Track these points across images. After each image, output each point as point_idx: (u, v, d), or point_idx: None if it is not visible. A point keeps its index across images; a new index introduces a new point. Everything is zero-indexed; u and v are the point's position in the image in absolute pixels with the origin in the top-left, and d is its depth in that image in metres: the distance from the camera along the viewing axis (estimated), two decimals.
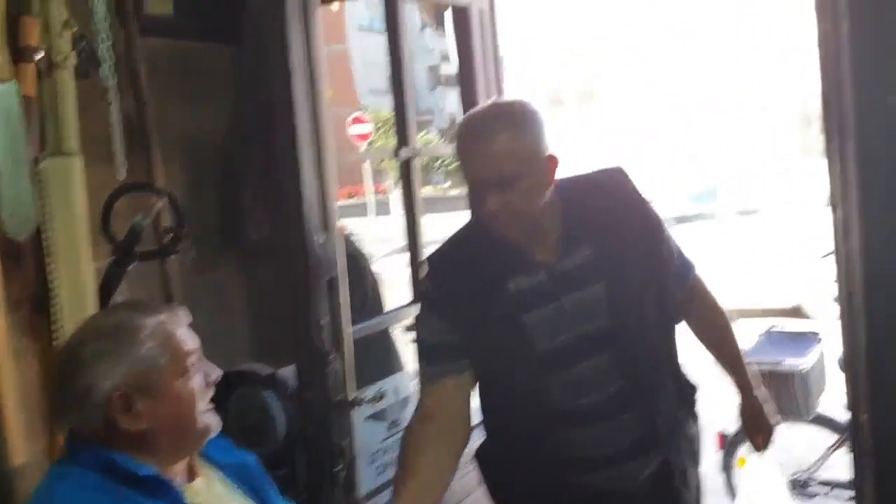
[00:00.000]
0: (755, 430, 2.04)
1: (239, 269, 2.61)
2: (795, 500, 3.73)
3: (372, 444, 2.21)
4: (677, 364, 1.88)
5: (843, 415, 3.85)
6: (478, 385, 1.79)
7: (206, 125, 2.59)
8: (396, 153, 2.34)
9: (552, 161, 1.68)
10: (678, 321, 1.90)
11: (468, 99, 2.67)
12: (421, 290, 1.81)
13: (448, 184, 23.18)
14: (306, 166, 1.96)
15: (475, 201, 1.68)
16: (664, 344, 1.83)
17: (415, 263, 2.39)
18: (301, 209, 1.94)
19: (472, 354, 1.73)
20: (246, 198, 2.59)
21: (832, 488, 3.82)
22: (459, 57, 2.71)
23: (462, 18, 2.66)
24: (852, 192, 2.15)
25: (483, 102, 1.79)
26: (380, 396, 2.05)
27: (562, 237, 1.72)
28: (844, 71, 2.13)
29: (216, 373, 1.45)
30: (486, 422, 1.84)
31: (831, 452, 3.80)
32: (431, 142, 20.41)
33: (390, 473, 2.26)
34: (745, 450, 3.90)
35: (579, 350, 1.71)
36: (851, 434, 2.35)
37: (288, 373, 2.26)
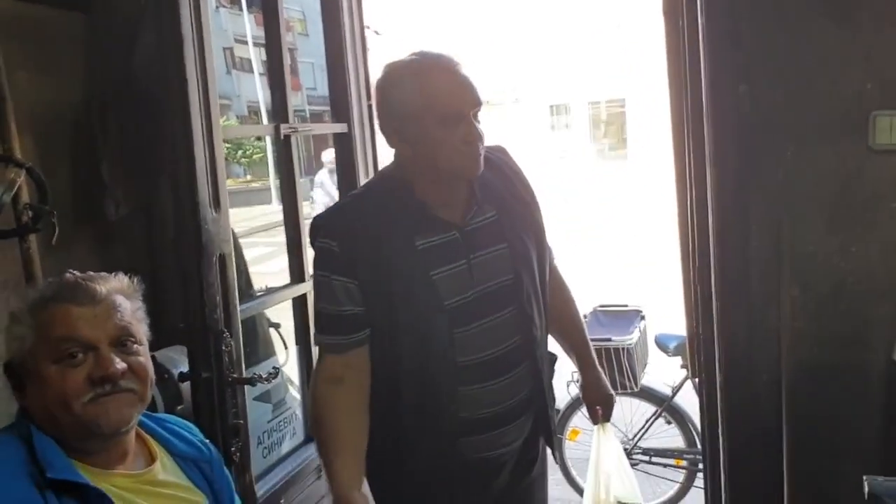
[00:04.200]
0: (598, 401, 2.17)
1: (95, 249, 2.46)
2: None
3: (259, 425, 2.17)
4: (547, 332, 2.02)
5: (661, 387, 4.20)
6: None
7: (56, 96, 2.41)
8: (276, 129, 2.30)
9: None
10: None
11: (338, 80, 2.67)
12: (321, 251, 1.77)
13: (249, 176, 22.59)
14: (198, 141, 1.89)
15: (448, 132, 1.71)
16: (546, 306, 1.96)
17: (294, 244, 2.36)
18: (195, 185, 1.87)
19: (378, 316, 1.75)
20: (104, 174, 2.44)
21: (652, 456, 4.14)
22: (327, 39, 2.70)
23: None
24: (705, 175, 2.36)
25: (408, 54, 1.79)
26: (275, 373, 2.01)
27: (471, 198, 1.82)
28: (698, 64, 2.34)
29: (113, 367, 1.32)
30: (379, 394, 1.81)
31: (652, 422, 4.12)
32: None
33: (277, 454, 2.24)
34: (576, 422, 4.16)
35: (485, 306, 1.80)
36: (701, 397, 2.59)
37: (162, 355, 2.17)
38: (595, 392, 2.17)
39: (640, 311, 4.26)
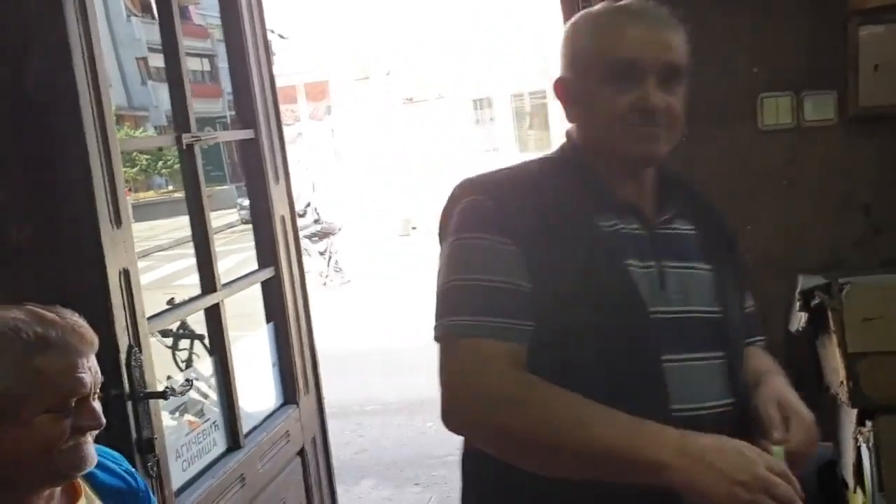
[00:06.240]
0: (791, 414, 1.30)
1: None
2: None
3: (177, 438, 2.15)
4: None
5: None
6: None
7: None
8: (178, 139, 2.27)
9: None
10: None
11: (241, 85, 2.65)
12: (467, 210, 1.29)
13: (171, 186, 22.18)
14: (93, 154, 1.87)
15: (613, 93, 1.27)
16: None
17: (203, 254, 2.34)
18: (92, 201, 1.85)
19: (546, 306, 1.21)
20: (3, 195, 2.38)
21: None
22: (228, 42, 2.68)
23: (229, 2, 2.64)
24: None
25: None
26: (188, 385, 1.99)
27: (663, 198, 1.36)
28: None
29: (101, 419, 1.29)
30: None
31: None
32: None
33: (199, 466, 2.22)
34: None
35: (692, 334, 1.27)
36: None
37: None
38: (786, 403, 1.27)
39: None
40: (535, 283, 1.21)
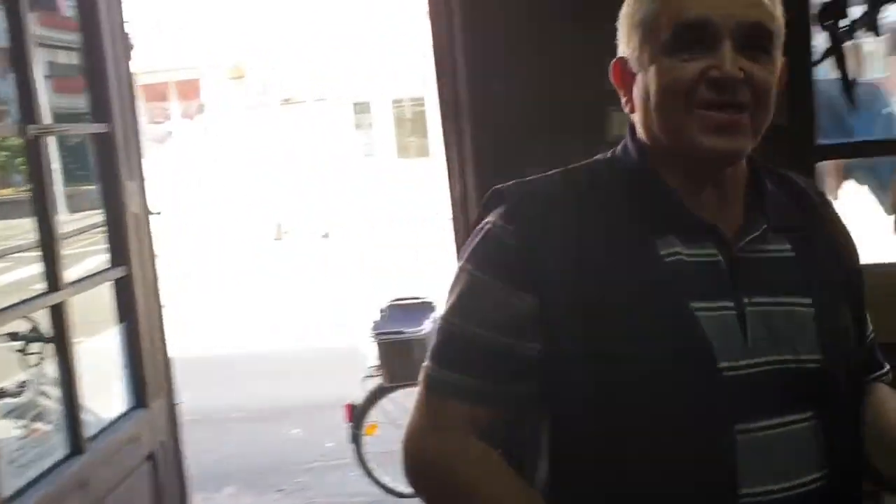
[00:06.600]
0: None
1: None
2: None
3: (10, 443, 2.05)
4: None
5: None
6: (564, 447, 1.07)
7: None
8: (22, 130, 2.17)
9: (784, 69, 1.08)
10: None
11: (96, 76, 2.56)
12: (484, 238, 1.10)
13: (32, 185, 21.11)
14: None
15: (677, 60, 1.03)
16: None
17: (48, 249, 2.24)
18: None
19: (570, 371, 1.02)
20: None
21: None
22: (82, 30, 2.59)
23: None
24: (468, 168, 2.49)
25: None
26: (21, 387, 1.90)
27: (751, 211, 1.10)
28: (459, 64, 2.47)
29: None
30: None
31: None
32: (7, 138, 18.39)
33: (35, 472, 2.12)
34: (374, 416, 4.22)
35: (778, 392, 1.03)
36: None
37: None
38: None
39: (432, 304, 4.40)
40: (553, 340, 1.03)
